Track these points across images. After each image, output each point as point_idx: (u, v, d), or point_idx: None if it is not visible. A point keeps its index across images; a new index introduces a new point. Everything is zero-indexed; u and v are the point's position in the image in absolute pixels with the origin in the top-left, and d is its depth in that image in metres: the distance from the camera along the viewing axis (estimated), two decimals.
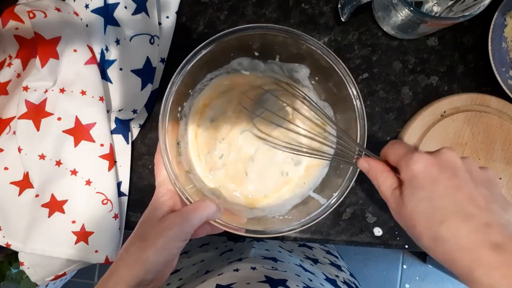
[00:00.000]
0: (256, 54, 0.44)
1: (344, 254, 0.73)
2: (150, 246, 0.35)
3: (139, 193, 0.50)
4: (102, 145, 0.46)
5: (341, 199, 0.39)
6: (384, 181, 0.35)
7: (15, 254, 0.47)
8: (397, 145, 0.35)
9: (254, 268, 0.49)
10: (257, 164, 0.46)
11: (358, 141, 0.40)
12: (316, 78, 0.45)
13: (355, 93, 0.40)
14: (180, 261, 0.66)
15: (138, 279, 0.35)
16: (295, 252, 0.63)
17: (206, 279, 0.48)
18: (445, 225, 0.29)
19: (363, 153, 0.38)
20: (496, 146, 0.47)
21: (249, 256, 0.56)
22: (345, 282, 0.58)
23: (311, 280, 0.50)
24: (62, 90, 0.44)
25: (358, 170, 0.39)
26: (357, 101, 0.40)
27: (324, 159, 0.44)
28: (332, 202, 0.40)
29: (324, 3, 0.50)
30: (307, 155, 0.42)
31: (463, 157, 0.33)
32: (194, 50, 0.39)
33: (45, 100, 0.44)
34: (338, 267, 0.62)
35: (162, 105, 0.39)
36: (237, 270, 0.49)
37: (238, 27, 0.39)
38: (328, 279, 0.56)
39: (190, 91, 0.44)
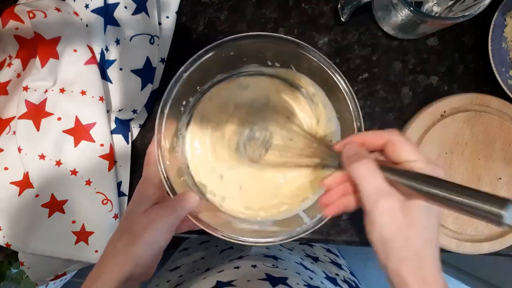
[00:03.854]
0: (269, 63, 0.44)
1: (344, 254, 0.73)
2: (139, 239, 0.35)
3: None
4: (102, 145, 0.46)
5: (325, 221, 0.38)
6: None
7: (15, 254, 0.47)
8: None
9: (254, 266, 0.49)
10: (249, 180, 0.45)
11: None
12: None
13: (356, 115, 0.39)
14: (180, 258, 0.66)
15: (128, 274, 0.34)
16: (295, 250, 0.63)
17: (207, 276, 0.48)
18: None
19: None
20: (496, 146, 0.47)
21: (249, 254, 0.56)
22: (345, 281, 0.58)
23: (311, 279, 0.50)
24: (62, 90, 0.44)
25: None
26: (358, 122, 0.39)
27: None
28: (314, 222, 0.39)
29: (324, 3, 0.50)
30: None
31: None
32: (206, 48, 0.39)
33: (45, 100, 0.44)
34: (338, 266, 0.63)
35: (165, 95, 0.38)
36: (237, 267, 0.49)
37: (243, 34, 0.38)
38: (328, 278, 0.56)
39: (198, 87, 0.44)
